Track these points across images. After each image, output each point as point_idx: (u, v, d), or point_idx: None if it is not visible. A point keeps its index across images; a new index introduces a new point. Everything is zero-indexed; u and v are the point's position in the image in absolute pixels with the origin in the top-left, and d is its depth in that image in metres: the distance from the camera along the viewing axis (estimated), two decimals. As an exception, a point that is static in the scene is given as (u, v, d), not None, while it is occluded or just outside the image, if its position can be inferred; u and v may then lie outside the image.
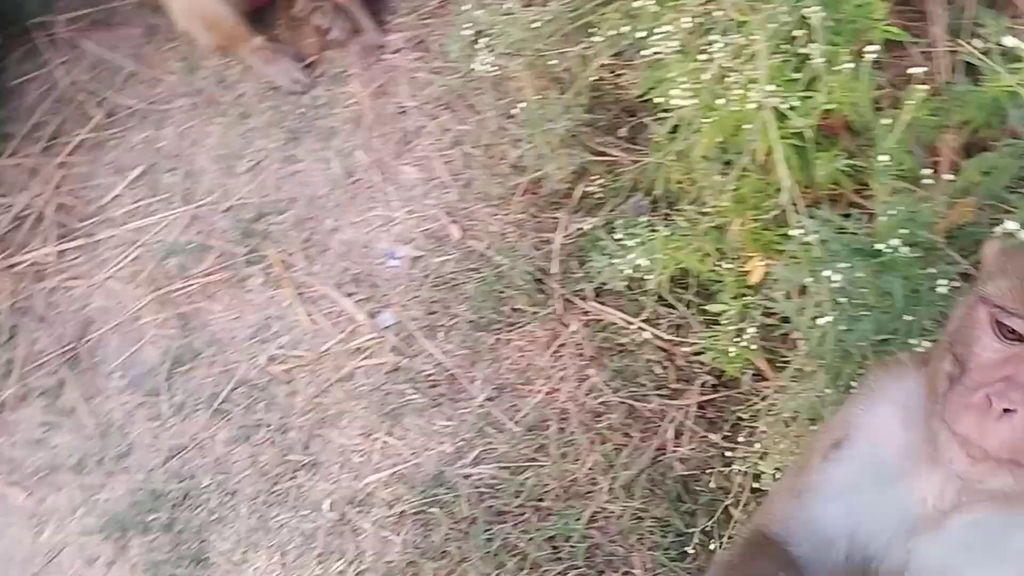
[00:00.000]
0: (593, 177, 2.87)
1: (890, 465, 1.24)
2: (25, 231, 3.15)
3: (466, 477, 2.60)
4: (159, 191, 3.19)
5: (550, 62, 2.67)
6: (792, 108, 1.83)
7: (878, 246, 1.67)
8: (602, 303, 2.77)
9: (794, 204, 1.89)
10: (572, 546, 2.47)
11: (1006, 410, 1.07)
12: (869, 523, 1.29)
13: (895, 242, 1.67)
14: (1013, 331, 1.12)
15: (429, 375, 2.77)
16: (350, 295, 2.93)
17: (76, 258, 3.11)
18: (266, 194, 3.14)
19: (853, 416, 1.36)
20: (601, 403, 2.68)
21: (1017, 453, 1.08)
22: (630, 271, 2.45)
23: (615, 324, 2.76)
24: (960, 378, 1.15)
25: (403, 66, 3.31)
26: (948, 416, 1.13)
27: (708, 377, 2.61)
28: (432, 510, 2.55)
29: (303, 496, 2.62)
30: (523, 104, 2.73)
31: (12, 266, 3.09)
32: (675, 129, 2.20)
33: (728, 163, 2.13)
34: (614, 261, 2.50)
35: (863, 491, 1.28)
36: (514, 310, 2.84)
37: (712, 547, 2.38)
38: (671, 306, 2.67)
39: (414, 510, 2.56)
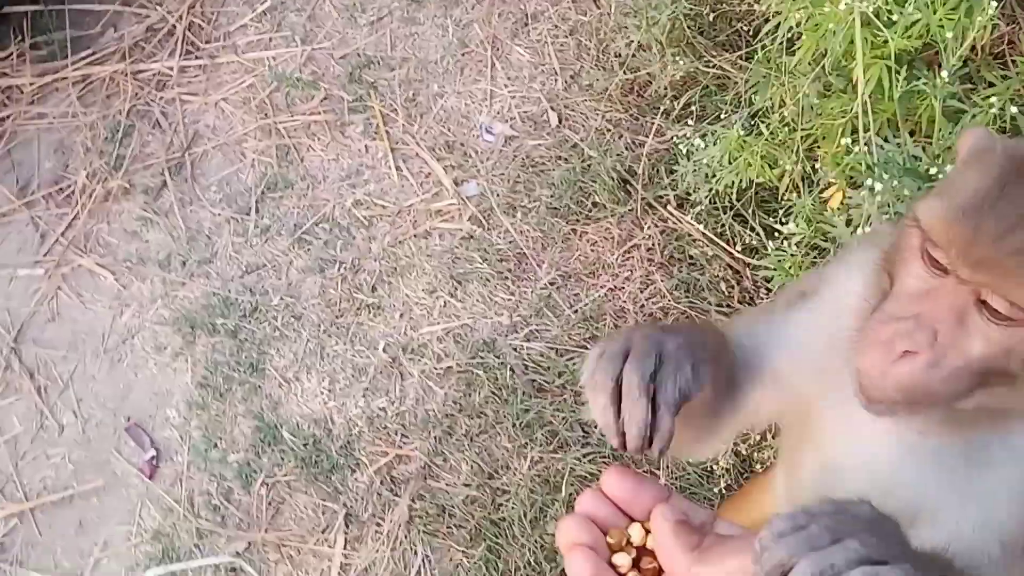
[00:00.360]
0: (698, 87, 2.87)
1: (844, 339, 1.09)
2: (155, 42, 3.31)
3: (515, 349, 2.70)
4: (282, 27, 3.31)
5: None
6: (891, 24, 1.80)
7: (932, 170, 1.66)
8: (681, 213, 2.81)
9: (867, 126, 1.87)
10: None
11: (907, 351, 0.97)
12: (808, 385, 1.23)
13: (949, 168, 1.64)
14: (939, 262, 0.98)
15: (500, 249, 2.86)
16: (440, 160, 3.02)
17: (196, 76, 3.26)
18: (381, 49, 3.23)
19: (826, 275, 1.27)
20: (660, 308, 2.74)
21: (913, 397, 0.99)
22: (711, 179, 2.48)
23: (690, 235, 2.80)
24: (883, 302, 1.03)
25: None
26: (857, 345, 1.03)
27: (770, 302, 2.64)
28: (477, 372, 2.66)
29: (362, 334, 2.75)
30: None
31: (138, 72, 3.26)
32: (783, 42, 2.19)
33: (828, 84, 2.12)
34: (698, 169, 2.54)
35: (813, 351, 1.20)
36: (594, 204, 2.89)
37: (735, 461, 2.45)
38: (748, 226, 2.69)
39: (460, 369, 2.68)
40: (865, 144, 1.82)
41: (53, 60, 3.28)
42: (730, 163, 2.39)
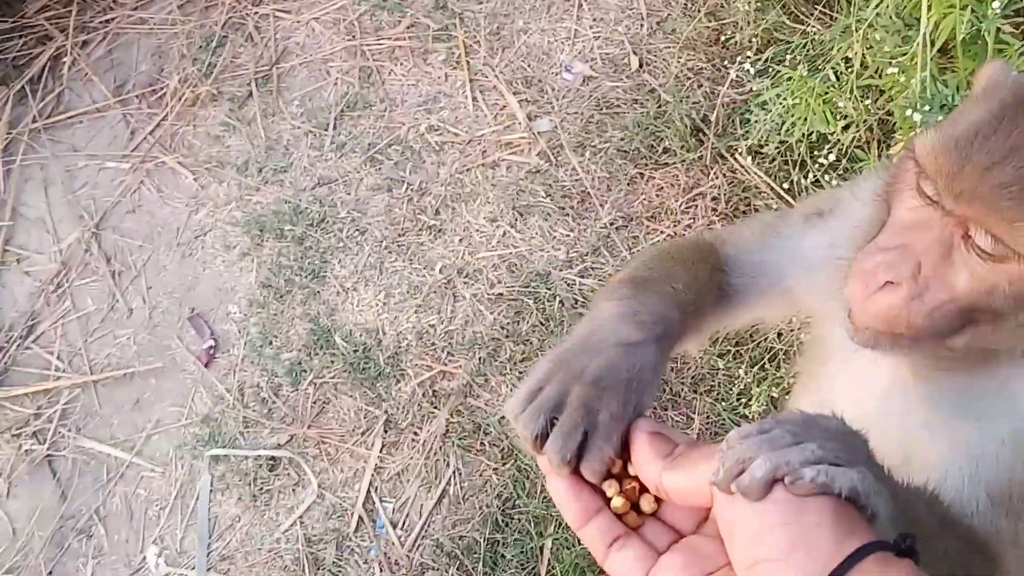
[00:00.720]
0: (781, 40, 2.83)
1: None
2: (256, -41, 3.42)
3: (568, 284, 2.73)
4: (379, -46, 3.38)
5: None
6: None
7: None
8: (751, 164, 2.78)
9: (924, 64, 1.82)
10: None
11: (888, 282, 0.96)
12: (819, 305, 1.21)
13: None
14: (927, 194, 0.97)
15: (565, 186, 2.88)
16: (517, 94, 3.05)
17: (292, -5, 3.36)
18: (472, -18, 3.28)
19: (843, 196, 1.26)
20: (717, 258, 2.72)
21: (894, 328, 0.98)
22: (783, 131, 2.45)
23: (757, 187, 2.77)
24: (877, 232, 1.02)
25: None
26: (848, 273, 1.02)
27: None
28: (527, 301, 2.70)
29: (421, 253, 2.82)
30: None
31: (237, -13, 3.38)
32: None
33: (905, 37, 2.07)
34: (771, 119, 2.51)
35: (826, 274, 1.16)
36: (664, 150, 2.89)
37: (768, 408, 2.43)
38: (817, 183, 2.65)
39: (512, 296, 2.72)
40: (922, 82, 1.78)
41: (160, -31, 3.43)
42: (795, 109, 2.36)
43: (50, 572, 2.49)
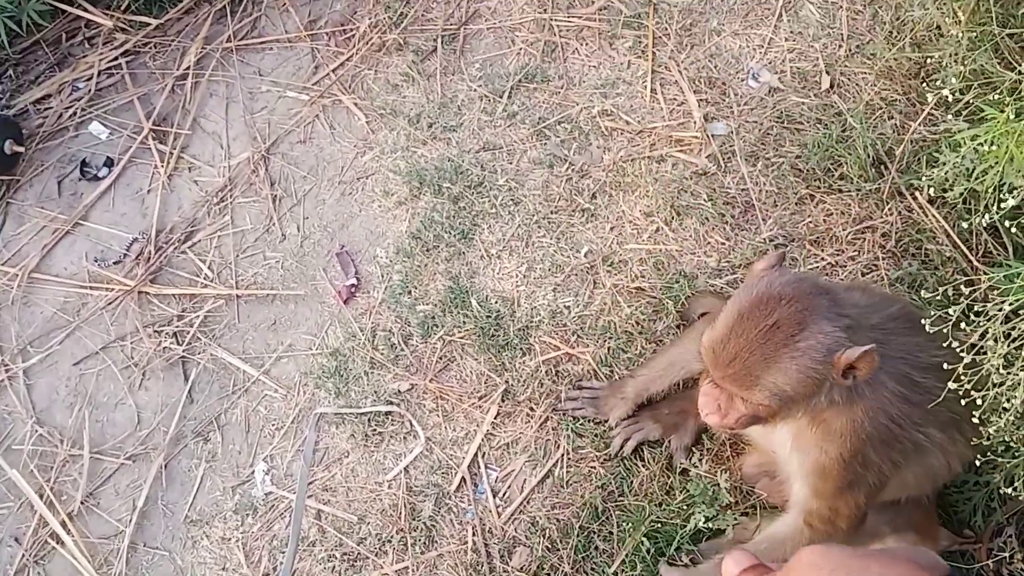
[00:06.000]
0: (987, 83, 2.66)
1: None
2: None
3: (714, 291, 2.65)
4: (585, -67, 3.36)
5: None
6: None
7: None
8: (930, 206, 2.63)
9: None
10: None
11: (708, 412, 1.83)
12: None
13: None
14: None
15: (729, 193, 2.80)
16: (697, 92, 2.98)
17: (491, -40, 3.38)
18: (673, -26, 3.22)
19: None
20: (875, 296, 2.59)
21: (725, 428, 1.90)
22: (972, 178, 2.30)
23: (932, 231, 2.63)
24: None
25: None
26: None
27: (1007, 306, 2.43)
28: (667, 301, 2.64)
29: (569, 234, 2.79)
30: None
31: (441, -56, 3.43)
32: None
33: None
34: (960, 163, 2.36)
35: None
36: (841, 176, 2.77)
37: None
38: (997, 236, 2.49)
39: (653, 293, 2.67)
40: None
41: (371, -85, 3.51)
42: (990, 154, 2.21)
43: (165, 466, 2.60)
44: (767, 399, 1.70)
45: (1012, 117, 2.18)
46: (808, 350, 1.64)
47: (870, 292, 2.10)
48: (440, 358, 2.64)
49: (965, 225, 2.52)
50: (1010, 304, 2.20)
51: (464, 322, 2.68)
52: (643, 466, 2.43)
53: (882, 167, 2.75)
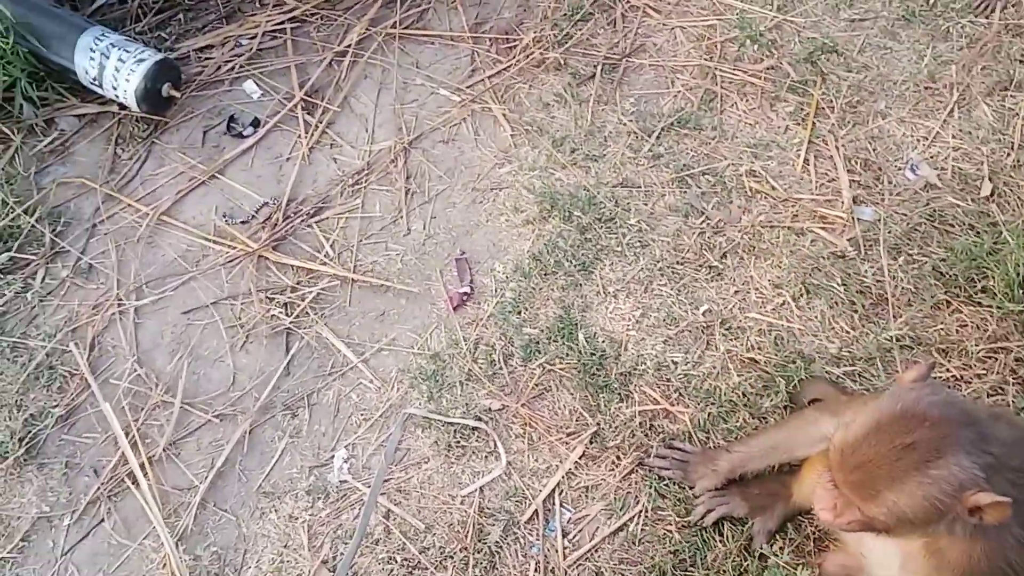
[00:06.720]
0: None
1: None
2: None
3: (829, 378, 2.56)
4: (767, -11, 3.31)
5: None
6: None
7: None
8: (1076, 342, 2.50)
9: None
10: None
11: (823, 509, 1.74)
12: None
13: None
14: None
15: (865, 282, 2.70)
16: (850, 172, 2.89)
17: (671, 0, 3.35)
18: (849, 47, 3.14)
19: None
20: (997, 420, 2.47)
21: (838, 528, 1.81)
22: None
23: (1071, 368, 2.49)
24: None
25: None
26: None
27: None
28: (779, 378, 2.55)
29: (692, 288, 2.73)
30: None
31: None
32: None
33: None
34: None
35: None
36: (983, 289, 2.65)
37: None
38: None
39: (766, 367, 2.59)
40: None
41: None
42: None
43: (249, 431, 2.63)
44: (883, 515, 1.63)
45: None
46: (939, 480, 1.56)
47: (1016, 427, 1.99)
48: (536, 384, 2.62)
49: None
50: None
51: (567, 354, 2.64)
52: (721, 541, 2.36)
53: (1031, 289, 2.62)
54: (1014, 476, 1.63)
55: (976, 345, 2.58)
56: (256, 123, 3.19)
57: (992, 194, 2.82)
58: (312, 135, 3.12)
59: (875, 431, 1.60)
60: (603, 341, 2.67)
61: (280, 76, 3.31)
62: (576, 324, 2.69)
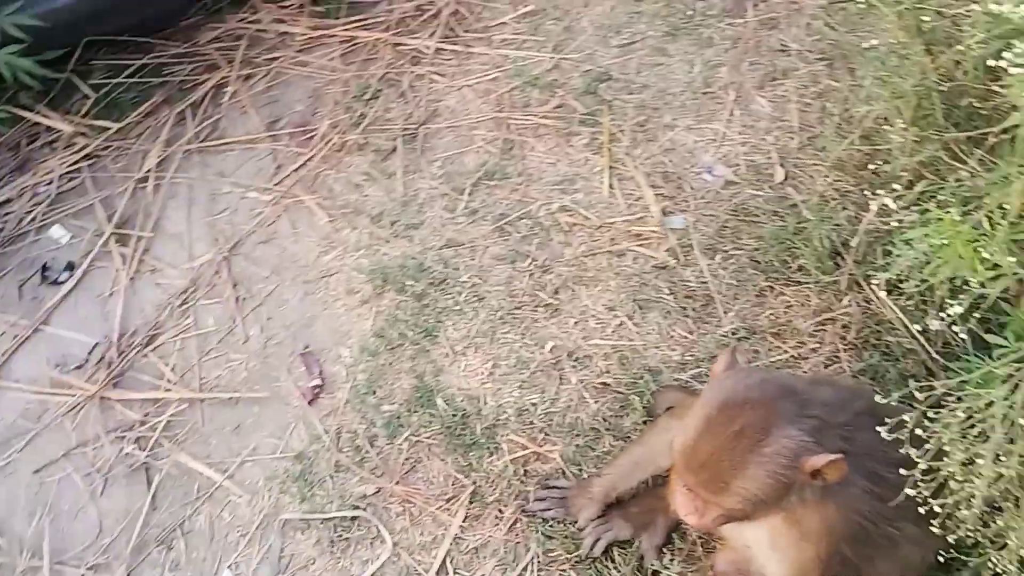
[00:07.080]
0: (936, 175, 2.75)
1: None
2: (420, 21, 3.57)
3: (679, 385, 2.67)
4: (538, 32, 3.47)
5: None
6: None
7: None
8: (887, 297, 2.69)
9: None
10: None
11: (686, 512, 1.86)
12: None
13: None
14: None
15: (690, 287, 2.84)
16: (654, 187, 3.04)
17: (449, 59, 3.46)
18: (626, 71, 3.32)
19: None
20: (837, 386, 2.63)
21: (701, 528, 2.14)
22: (926, 271, 2.36)
23: (891, 323, 2.68)
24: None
25: (805, 8, 3.32)
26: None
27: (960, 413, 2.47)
28: (633, 396, 2.64)
29: (534, 330, 2.81)
30: (875, 42, 2.61)
31: (399, 44, 3.51)
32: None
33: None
34: (915, 256, 2.42)
35: None
36: (799, 268, 2.82)
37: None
38: (953, 327, 2.54)
39: (619, 388, 2.67)
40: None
41: (327, 17, 3.60)
42: (941, 251, 2.27)
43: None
44: (739, 503, 1.71)
45: (957, 219, 2.24)
46: (774, 455, 1.66)
47: (836, 387, 2.13)
48: (407, 459, 2.62)
49: (919, 324, 2.58)
50: (964, 412, 2.20)
51: (430, 422, 2.66)
52: (614, 568, 2.41)
53: (839, 258, 2.81)
54: (843, 431, 1.75)
55: (804, 322, 2.74)
56: (71, 266, 3.10)
57: (785, 178, 3.02)
58: (130, 265, 3.06)
59: (706, 428, 1.70)
60: (462, 400, 2.70)
61: (86, 215, 3.23)
62: (432, 390, 2.72)
